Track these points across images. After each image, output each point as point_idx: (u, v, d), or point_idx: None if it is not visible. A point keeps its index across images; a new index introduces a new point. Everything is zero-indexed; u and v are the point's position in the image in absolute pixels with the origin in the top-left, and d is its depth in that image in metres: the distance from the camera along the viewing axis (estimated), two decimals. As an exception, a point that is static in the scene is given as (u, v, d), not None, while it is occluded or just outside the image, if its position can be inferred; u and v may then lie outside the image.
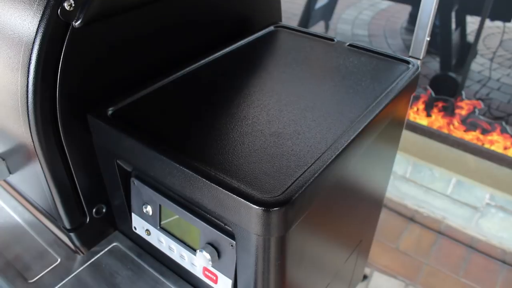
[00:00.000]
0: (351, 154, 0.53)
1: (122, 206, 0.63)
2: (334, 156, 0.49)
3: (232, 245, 0.49)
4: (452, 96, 1.98)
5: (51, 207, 0.61)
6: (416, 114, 1.90)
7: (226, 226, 0.49)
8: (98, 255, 0.66)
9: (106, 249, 0.66)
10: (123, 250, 0.66)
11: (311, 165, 0.47)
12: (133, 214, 0.61)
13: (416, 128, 1.76)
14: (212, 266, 0.53)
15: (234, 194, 0.44)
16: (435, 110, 1.92)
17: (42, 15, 0.48)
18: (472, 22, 2.15)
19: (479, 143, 1.72)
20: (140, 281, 0.62)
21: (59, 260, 0.65)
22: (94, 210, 0.64)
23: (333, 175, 0.50)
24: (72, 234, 0.63)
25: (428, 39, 0.83)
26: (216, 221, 0.50)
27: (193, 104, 0.58)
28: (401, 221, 1.62)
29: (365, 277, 1.42)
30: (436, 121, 1.86)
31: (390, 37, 2.77)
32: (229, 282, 0.53)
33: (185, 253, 0.56)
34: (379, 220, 0.92)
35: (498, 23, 2.56)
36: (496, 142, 1.73)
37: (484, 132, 1.80)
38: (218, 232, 0.50)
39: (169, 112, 0.56)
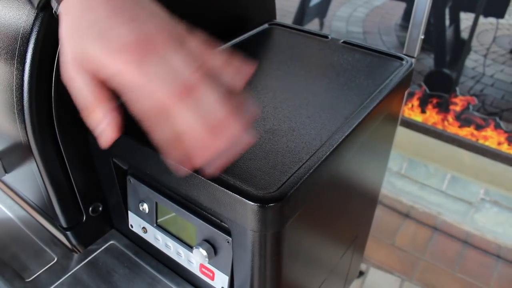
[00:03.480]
0: (346, 150, 0.53)
1: (118, 204, 0.63)
2: (328, 152, 0.49)
3: (228, 242, 0.49)
4: (447, 92, 1.99)
5: (47, 206, 0.61)
6: (411, 111, 1.91)
7: (222, 223, 0.50)
8: (95, 253, 0.66)
9: (103, 247, 0.66)
10: (120, 248, 0.67)
11: (306, 161, 0.48)
12: (129, 212, 0.61)
13: (410, 125, 1.77)
14: (209, 263, 0.54)
15: (229, 190, 0.44)
16: (429, 106, 1.93)
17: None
18: (466, 18, 2.16)
19: (474, 139, 1.73)
20: (137, 279, 0.62)
21: (55, 258, 0.65)
22: (90, 208, 0.64)
23: (328, 171, 0.51)
24: (68, 233, 0.63)
25: (422, 37, 0.83)
26: (212, 218, 0.51)
27: (188, 102, 0.58)
28: (396, 217, 1.63)
29: (361, 273, 1.43)
30: (431, 117, 1.87)
31: (384, 34, 2.78)
32: (225, 279, 0.53)
33: (182, 250, 0.57)
34: (374, 216, 0.92)
35: (492, 20, 2.57)
36: (490, 138, 1.74)
37: (478, 127, 1.81)
38: (214, 229, 0.50)
39: (164, 110, 0.56)
